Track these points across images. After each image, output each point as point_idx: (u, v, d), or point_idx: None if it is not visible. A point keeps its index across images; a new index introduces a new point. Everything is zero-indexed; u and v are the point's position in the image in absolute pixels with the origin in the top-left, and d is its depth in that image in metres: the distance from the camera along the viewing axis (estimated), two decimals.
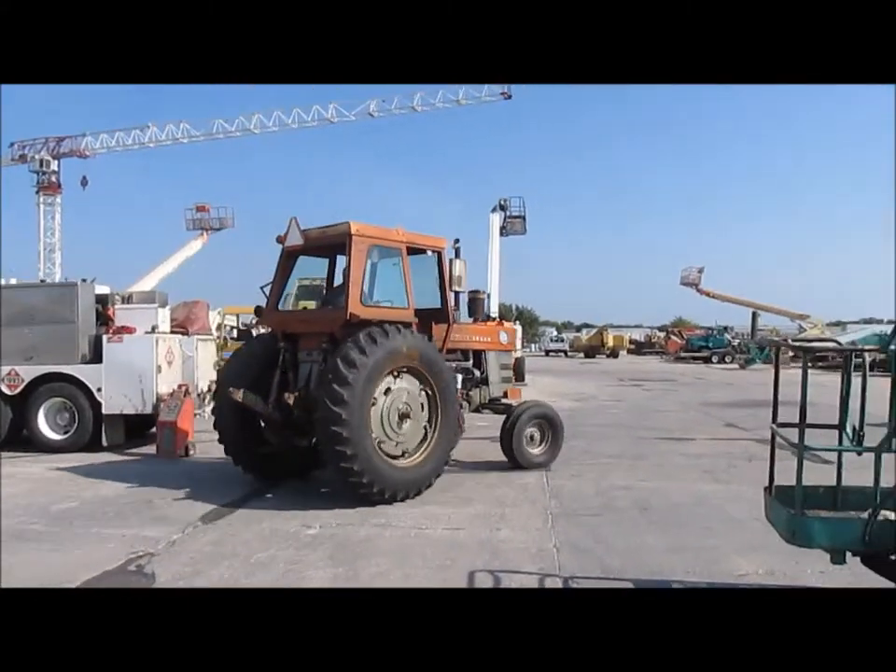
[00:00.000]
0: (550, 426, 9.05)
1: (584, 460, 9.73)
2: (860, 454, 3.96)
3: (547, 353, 62.64)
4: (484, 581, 4.67)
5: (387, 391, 7.20)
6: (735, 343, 48.11)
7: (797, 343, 4.71)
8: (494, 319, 26.78)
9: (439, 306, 8.13)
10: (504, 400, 9.19)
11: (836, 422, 4.25)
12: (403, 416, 7.35)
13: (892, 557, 3.37)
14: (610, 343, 57.70)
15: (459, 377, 8.45)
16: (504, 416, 8.94)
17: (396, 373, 7.29)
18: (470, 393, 8.80)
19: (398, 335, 7.25)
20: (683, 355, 49.44)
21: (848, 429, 4.31)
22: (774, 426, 4.44)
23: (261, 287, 8.14)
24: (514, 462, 8.80)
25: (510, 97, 31.29)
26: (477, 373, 8.91)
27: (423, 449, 7.48)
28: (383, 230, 7.70)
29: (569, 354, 62.22)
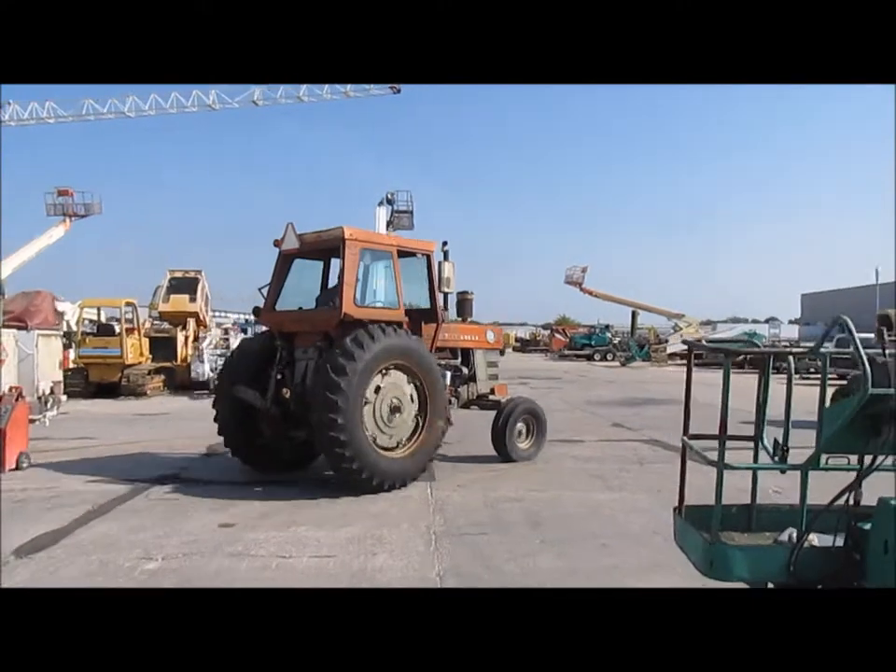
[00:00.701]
0: (536, 420, 9.94)
1: (472, 467, 9.39)
2: (783, 472, 3.65)
3: None
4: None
5: (377, 389, 7.91)
6: (616, 341, 50.09)
7: (715, 345, 4.38)
8: None
9: (428, 306, 8.92)
10: (491, 397, 9.94)
11: (748, 431, 3.93)
12: (395, 410, 8.08)
13: (818, 587, 3.08)
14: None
15: (448, 374, 9.12)
16: (494, 413, 9.75)
17: (385, 370, 7.98)
18: (459, 390, 9.53)
19: (389, 334, 8.00)
20: (567, 352, 50.96)
21: (767, 442, 4.01)
22: (685, 438, 4.08)
23: (259, 289, 8.89)
24: (506, 457, 9.55)
25: (398, 91, 31.13)
26: (465, 370, 9.66)
27: (414, 440, 8.23)
28: (375, 234, 8.68)
29: None
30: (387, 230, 28.22)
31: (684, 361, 46.69)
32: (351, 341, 7.72)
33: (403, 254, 8.68)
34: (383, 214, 27.52)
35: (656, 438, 11.78)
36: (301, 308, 8.88)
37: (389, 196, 28.33)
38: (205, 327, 22.57)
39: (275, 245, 8.88)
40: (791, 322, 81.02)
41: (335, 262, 8.96)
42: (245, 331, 25.63)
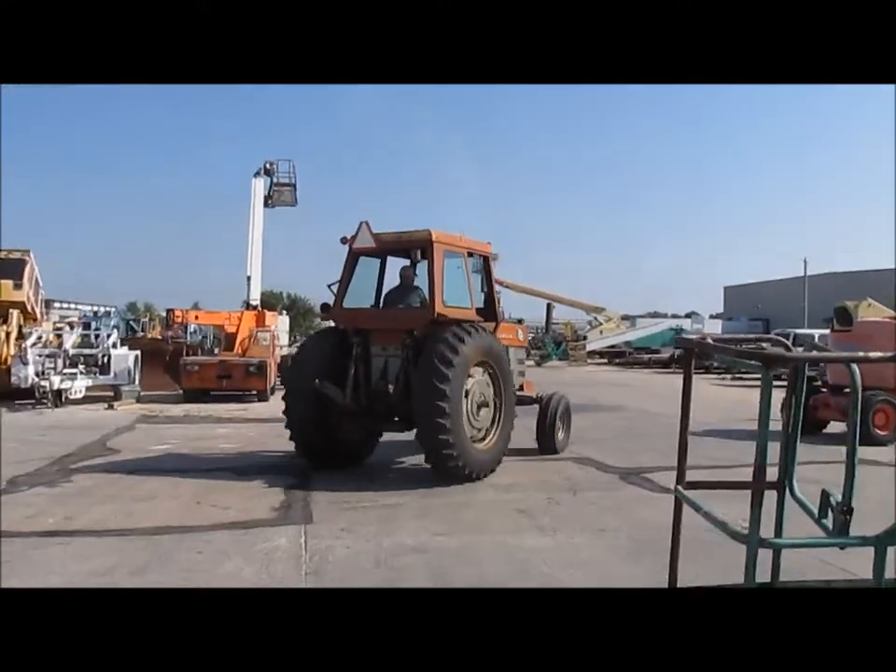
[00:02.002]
0: (566, 413, 11.55)
1: (364, 500, 8.12)
2: (842, 547, 2.52)
3: None
4: None
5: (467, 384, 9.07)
6: (529, 337, 49.99)
7: (733, 347, 3.25)
8: (254, 308, 23.67)
9: (470, 306, 9.90)
10: (519, 393, 10.83)
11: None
12: (481, 405, 9.36)
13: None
14: None
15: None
16: (537, 410, 11.30)
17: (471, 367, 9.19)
18: None
19: (479, 333, 9.32)
20: None
21: (800, 491, 2.93)
22: (681, 488, 2.97)
23: (329, 286, 9.99)
24: (552, 451, 11.01)
25: None
26: None
27: (494, 431, 9.55)
28: (452, 236, 9.94)
29: None
30: (267, 205, 26.33)
31: (604, 360, 47.10)
32: (452, 337, 8.90)
33: (469, 255, 10.13)
34: (260, 187, 25.41)
35: (588, 455, 10.91)
36: (380, 306, 10.15)
37: (268, 166, 26.18)
38: (35, 320, 20.08)
39: (343, 243, 10.00)
40: (712, 317, 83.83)
41: (391, 262, 10.45)
42: (88, 325, 23.12)
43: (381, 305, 10.28)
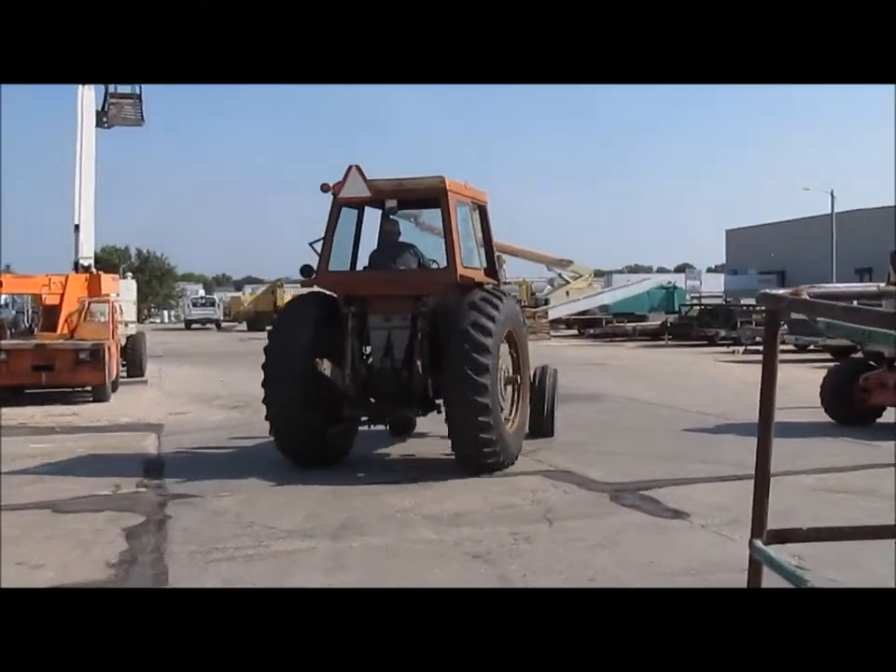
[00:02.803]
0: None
1: (246, 544, 7.61)
2: None
3: (189, 324, 61.79)
4: None
5: None
6: None
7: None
8: (86, 270, 22.86)
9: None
10: None
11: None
12: (508, 382, 10.72)
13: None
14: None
15: None
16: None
17: None
18: None
19: (506, 298, 10.65)
20: None
21: None
22: (759, 543, 2.71)
23: (311, 244, 10.97)
24: (549, 434, 12.37)
25: None
26: None
27: (515, 412, 11.00)
28: (462, 185, 11.11)
29: (224, 325, 61.70)
30: (102, 124, 25.11)
31: (572, 331, 47.68)
32: (484, 303, 10.00)
33: (474, 206, 11.38)
34: (89, 99, 24.00)
35: (563, 465, 10.57)
36: (383, 267, 11.06)
37: None
38: None
39: (325, 190, 10.85)
40: (711, 270, 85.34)
41: (369, 213, 11.57)
42: None
43: (365, 266, 11.42)
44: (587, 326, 45.23)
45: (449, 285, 10.43)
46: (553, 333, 43.20)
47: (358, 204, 11.22)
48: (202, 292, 80.00)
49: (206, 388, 20.54)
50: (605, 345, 38.42)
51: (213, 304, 65.41)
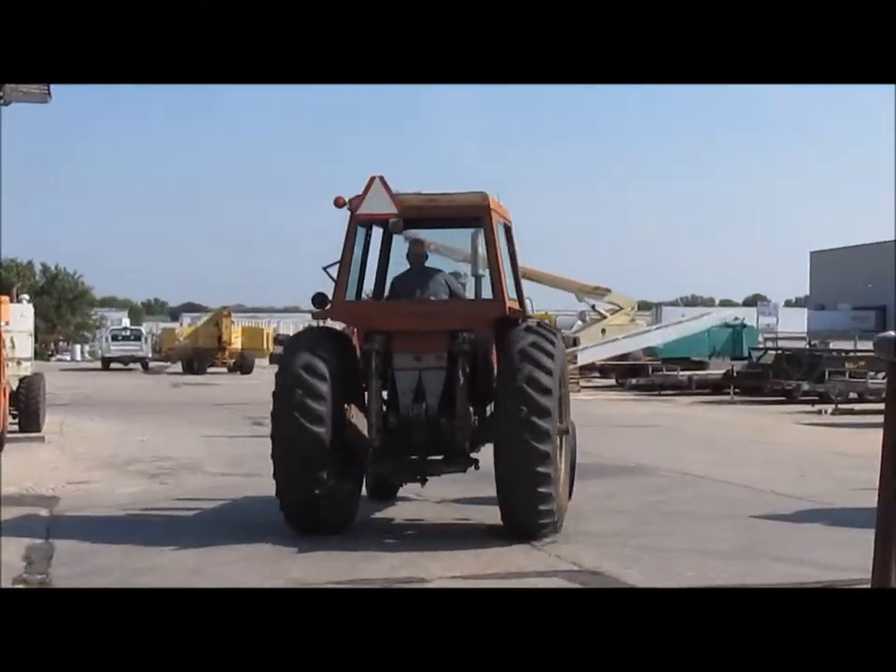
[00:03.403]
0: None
1: None
2: None
3: (107, 363, 61.80)
4: None
5: None
6: None
7: None
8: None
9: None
10: None
11: None
12: (563, 433, 12.00)
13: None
14: (234, 340, 60.90)
15: None
16: None
17: None
18: None
19: (558, 337, 11.86)
20: None
21: None
22: None
23: (325, 268, 12.03)
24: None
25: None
26: None
27: (562, 465, 12.05)
28: (498, 202, 12.26)
29: (153, 365, 61.73)
30: None
31: (609, 380, 47.79)
32: (540, 343, 11.01)
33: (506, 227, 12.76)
34: None
35: (592, 565, 10.33)
36: (412, 298, 12.08)
37: None
38: None
39: (339, 206, 11.86)
40: (790, 304, 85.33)
41: (397, 240, 12.95)
42: None
43: (383, 296, 12.67)
44: (628, 374, 44.85)
45: (495, 319, 11.57)
46: (583, 384, 42.97)
47: (384, 223, 12.32)
48: (125, 322, 79.60)
49: (121, 449, 20.45)
50: (651, 400, 38.22)
51: (138, 338, 65.11)
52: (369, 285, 13.03)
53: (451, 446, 11.52)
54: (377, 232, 12.88)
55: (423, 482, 12.39)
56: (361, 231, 12.30)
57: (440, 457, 11.84)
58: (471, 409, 11.47)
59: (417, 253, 12.41)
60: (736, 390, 37.20)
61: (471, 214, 11.85)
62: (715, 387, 39.63)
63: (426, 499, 13.61)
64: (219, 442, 22.11)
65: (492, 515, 11.73)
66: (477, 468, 11.88)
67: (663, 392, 40.83)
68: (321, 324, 12.48)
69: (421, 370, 11.47)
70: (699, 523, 12.63)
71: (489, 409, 11.80)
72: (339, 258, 11.91)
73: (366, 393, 11.55)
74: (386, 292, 12.66)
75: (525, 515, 10.97)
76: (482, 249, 11.79)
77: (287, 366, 11.26)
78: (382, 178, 11.66)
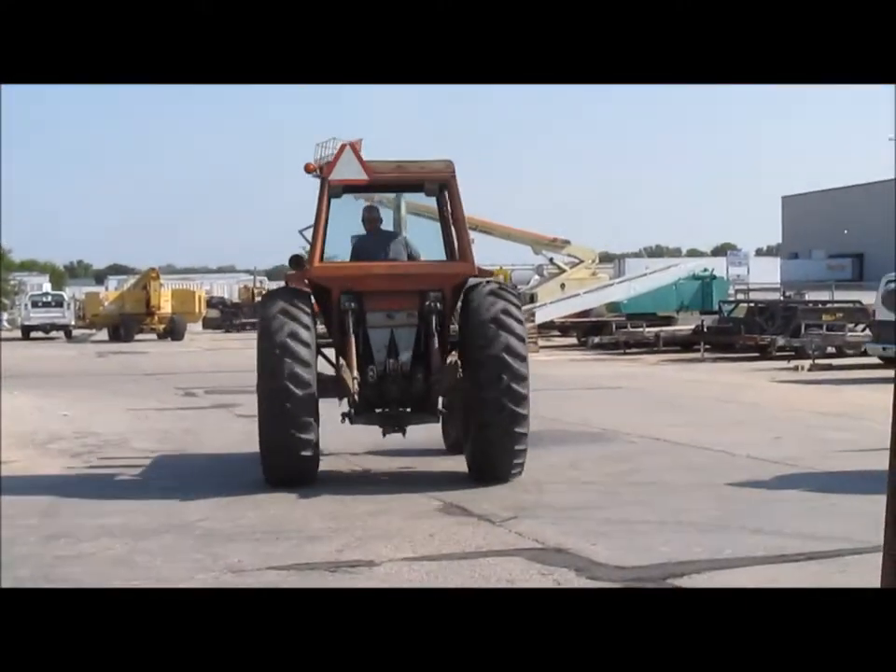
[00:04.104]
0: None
1: None
2: None
3: (26, 332, 61.65)
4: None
5: None
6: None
7: None
8: None
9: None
10: None
11: None
12: None
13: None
14: (163, 304, 60.87)
15: None
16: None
17: None
18: None
19: (518, 296, 14.74)
20: None
21: None
22: None
23: (301, 231, 14.16)
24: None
25: None
26: None
27: None
28: None
29: (77, 333, 61.50)
30: None
31: (570, 339, 48.03)
32: (507, 298, 13.08)
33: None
34: None
35: (557, 541, 10.29)
36: (379, 258, 13.89)
37: None
38: None
39: (309, 171, 14.00)
40: (761, 252, 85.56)
41: (338, 203, 14.22)
42: None
43: (354, 257, 14.28)
44: (591, 332, 44.78)
45: (464, 278, 13.38)
46: (542, 343, 42.90)
47: (354, 189, 14.38)
48: (47, 287, 78.96)
49: (42, 425, 20.31)
50: (616, 360, 38.22)
51: (60, 304, 64.39)
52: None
53: (425, 399, 13.27)
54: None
55: (403, 431, 13.94)
56: (333, 197, 13.82)
57: (414, 409, 13.54)
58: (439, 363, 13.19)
59: (373, 218, 14.26)
60: (707, 347, 37.28)
61: (438, 180, 13.87)
62: (684, 344, 39.68)
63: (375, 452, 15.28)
64: (148, 416, 22.13)
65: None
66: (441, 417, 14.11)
67: (628, 351, 41.05)
68: (291, 285, 13.82)
69: (393, 327, 13.30)
70: (670, 492, 12.63)
71: (449, 361, 13.55)
72: (311, 222, 13.55)
73: (345, 349, 13.24)
74: (348, 255, 14.39)
75: (503, 470, 12.87)
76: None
77: (271, 333, 12.74)
78: (353, 145, 13.58)
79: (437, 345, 13.21)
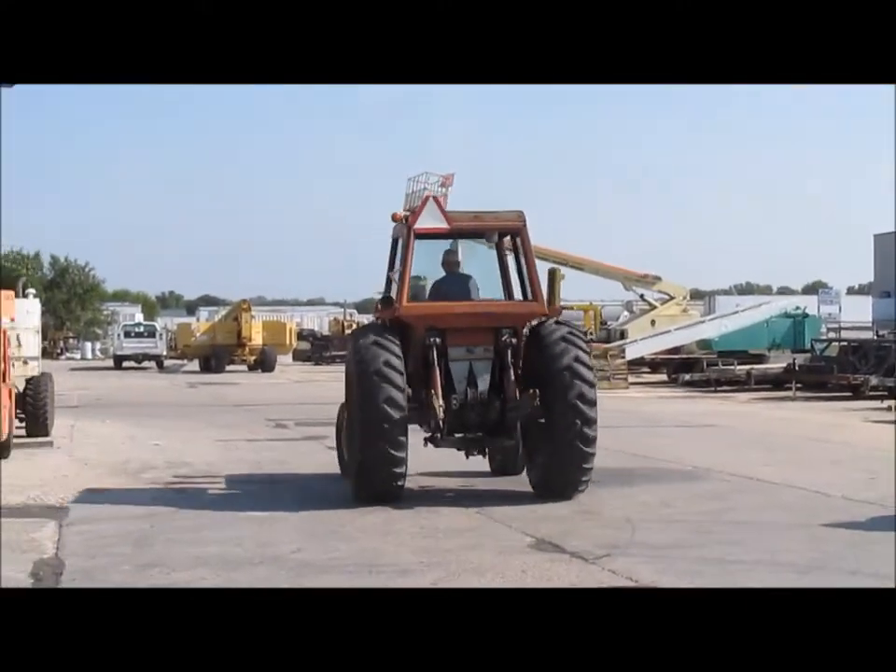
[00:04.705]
0: None
1: None
2: None
3: (119, 362, 62.38)
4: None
5: None
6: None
7: None
8: None
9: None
10: None
11: None
12: None
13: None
14: (254, 336, 61.28)
15: None
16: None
17: None
18: None
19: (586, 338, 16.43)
20: None
21: None
22: None
23: (388, 274, 16.00)
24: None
25: None
26: None
27: None
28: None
29: (168, 363, 62.21)
30: None
31: (660, 377, 47.59)
32: (581, 366, 14.22)
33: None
34: None
35: (651, 579, 10.07)
36: (459, 298, 15.54)
37: None
38: None
39: (396, 220, 15.72)
40: (853, 291, 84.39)
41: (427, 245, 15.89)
42: None
43: (436, 297, 15.84)
44: (681, 369, 44.46)
45: (535, 317, 15.07)
46: (631, 380, 42.60)
47: (434, 236, 15.76)
48: (139, 317, 79.72)
49: (134, 454, 20.54)
50: (706, 397, 37.86)
51: (153, 334, 65.26)
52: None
53: (500, 424, 14.73)
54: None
55: (484, 453, 15.69)
56: (418, 243, 15.25)
57: (490, 434, 14.97)
58: (514, 393, 14.50)
59: (451, 262, 15.97)
60: (798, 385, 36.73)
61: (510, 229, 15.61)
62: (775, 383, 39.20)
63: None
64: (238, 447, 22.18)
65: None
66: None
67: (718, 388, 40.58)
68: (381, 321, 15.74)
69: (472, 360, 14.84)
70: (765, 532, 12.48)
71: (529, 392, 14.55)
72: (389, 265, 15.97)
73: (429, 380, 14.54)
74: (427, 294, 16.10)
75: (567, 492, 14.35)
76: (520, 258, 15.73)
77: (367, 360, 14.22)
78: (435, 198, 15.43)
79: (512, 377, 14.63)
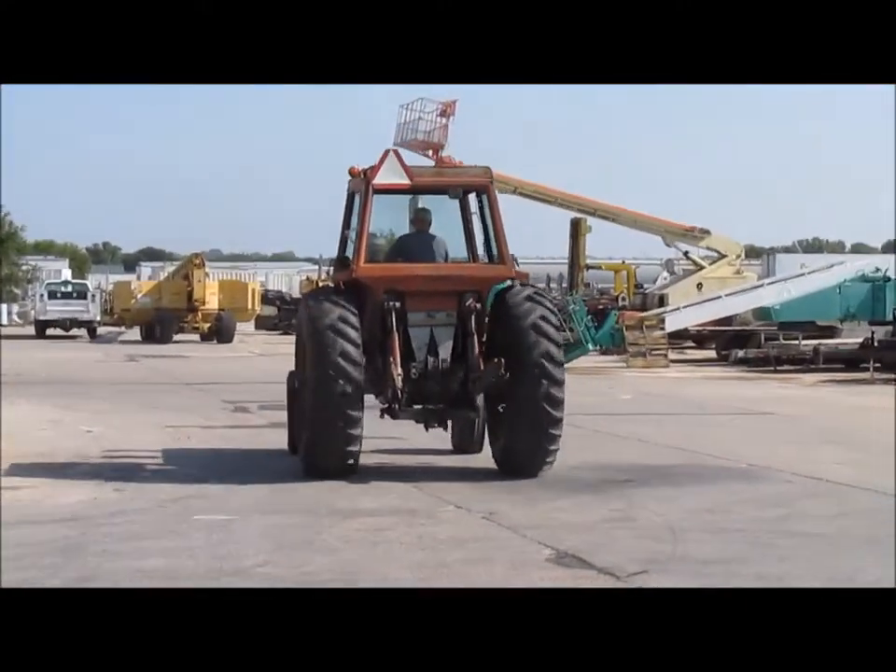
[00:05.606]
0: None
1: None
2: None
3: (42, 328, 62.37)
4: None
5: None
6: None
7: None
8: None
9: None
10: None
11: None
12: None
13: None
14: (209, 298, 61.39)
15: None
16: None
17: None
18: None
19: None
20: None
21: None
22: None
23: (343, 232, 17.83)
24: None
25: None
26: None
27: None
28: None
29: (102, 330, 62.07)
30: None
31: (707, 352, 47.89)
32: (544, 303, 16.39)
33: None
34: None
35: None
36: (422, 259, 17.20)
37: None
38: None
39: (354, 175, 17.29)
40: None
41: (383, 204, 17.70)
42: None
43: (399, 258, 17.48)
44: (733, 344, 44.55)
45: (500, 280, 16.68)
46: (672, 357, 42.55)
47: (395, 192, 17.46)
48: (66, 274, 79.73)
49: (61, 443, 20.62)
50: (764, 379, 38.04)
51: (84, 295, 65.07)
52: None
53: (462, 395, 16.52)
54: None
55: (445, 426, 17.47)
56: (377, 199, 16.91)
57: (452, 405, 16.75)
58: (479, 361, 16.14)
59: (422, 219, 17.75)
60: (878, 365, 36.77)
61: (475, 185, 17.54)
62: (849, 362, 39.30)
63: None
64: (190, 435, 22.38)
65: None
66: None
67: (779, 368, 40.70)
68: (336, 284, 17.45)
69: (433, 326, 16.48)
70: (837, 546, 12.44)
71: (493, 361, 16.08)
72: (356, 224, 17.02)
73: (387, 346, 16.16)
74: (389, 250, 18.30)
75: (534, 468, 16.23)
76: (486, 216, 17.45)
77: (320, 316, 15.82)
78: (396, 151, 17.16)
79: (476, 344, 16.23)
